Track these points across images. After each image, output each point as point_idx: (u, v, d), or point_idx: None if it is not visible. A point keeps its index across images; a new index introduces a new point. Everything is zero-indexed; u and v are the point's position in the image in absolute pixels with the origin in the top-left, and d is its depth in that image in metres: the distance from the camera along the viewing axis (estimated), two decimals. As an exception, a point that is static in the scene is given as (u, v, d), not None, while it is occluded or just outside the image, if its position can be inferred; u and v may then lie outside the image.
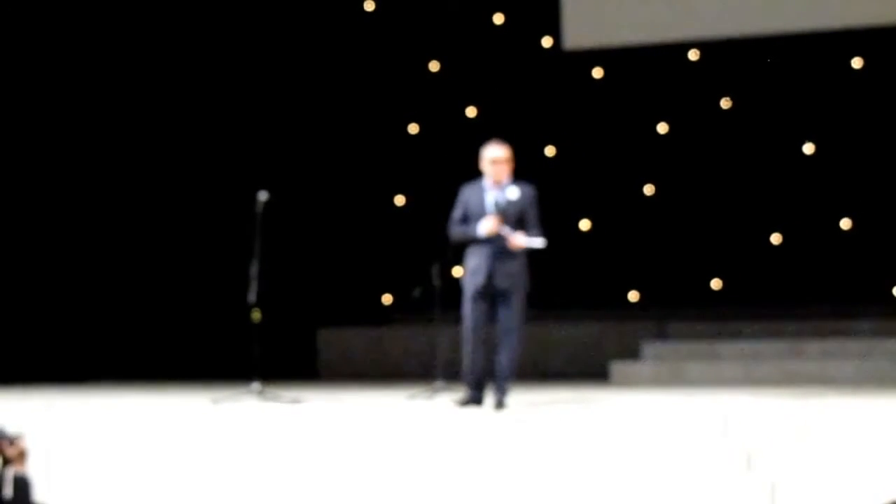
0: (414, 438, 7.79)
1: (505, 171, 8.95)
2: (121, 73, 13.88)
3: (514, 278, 8.84)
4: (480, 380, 8.94)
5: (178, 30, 13.98)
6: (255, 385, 9.89)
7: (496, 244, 8.82)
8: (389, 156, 14.17)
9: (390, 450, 7.66)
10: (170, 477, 7.83)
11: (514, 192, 8.93)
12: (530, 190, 8.98)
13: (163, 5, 13.96)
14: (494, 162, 8.93)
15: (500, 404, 8.79)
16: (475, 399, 8.92)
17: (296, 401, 9.68)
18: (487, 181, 8.97)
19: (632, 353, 12.17)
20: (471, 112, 14.07)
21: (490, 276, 8.82)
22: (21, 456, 5.78)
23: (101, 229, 13.86)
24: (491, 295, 8.85)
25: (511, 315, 8.82)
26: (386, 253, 13.93)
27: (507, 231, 8.79)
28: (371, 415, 8.70)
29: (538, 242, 8.85)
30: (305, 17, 14.16)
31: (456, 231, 9.02)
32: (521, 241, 8.80)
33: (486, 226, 8.80)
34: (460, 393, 9.20)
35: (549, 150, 13.87)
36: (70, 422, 8.64)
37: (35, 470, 5.95)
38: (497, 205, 8.87)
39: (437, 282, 10.25)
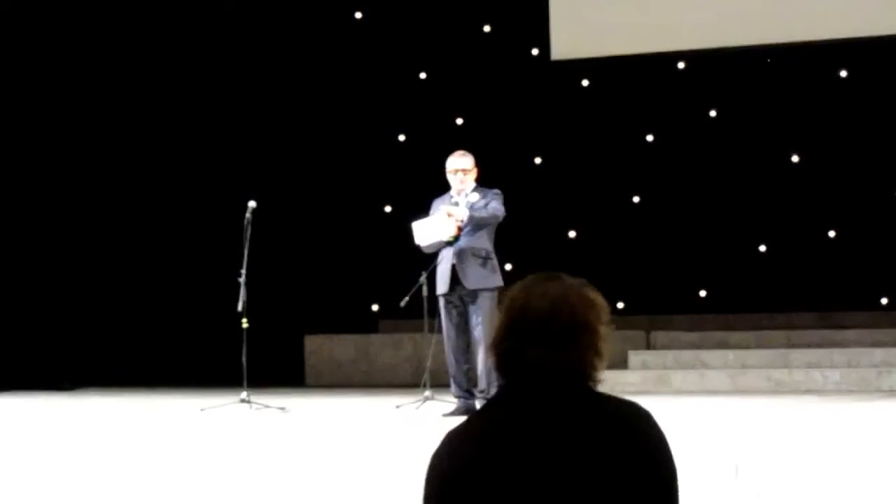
0: (400, 446, 7.78)
1: (465, 181, 8.99)
2: (108, 87, 13.87)
3: (479, 279, 8.84)
4: (466, 388, 8.93)
5: (169, 39, 13.99)
6: (242, 392, 9.87)
7: (457, 247, 8.87)
8: (378, 164, 14.17)
9: (377, 458, 7.66)
10: (155, 484, 7.82)
11: (474, 199, 8.98)
12: (491, 191, 9.04)
13: (153, 15, 13.96)
14: (453, 172, 9.01)
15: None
16: (464, 409, 8.90)
17: (283, 409, 9.67)
18: (453, 191, 9.06)
19: (619, 362, 12.18)
20: (459, 121, 14.08)
21: (453, 281, 8.86)
22: None
23: (92, 237, 13.85)
24: (460, 298, 8.87)
25: (478, 319, 8.82)
26: (374, 260, 13.93)
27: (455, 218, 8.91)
28: (358, 423, 8.69)
29: (461, 212, 8.92)
30: (294, 26, 14.17)
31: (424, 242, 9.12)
32: (453, 211, 8.88)
33: (448, 230, 8.87)
34: (449, 403, 9.20)
35: (537, 160, 13.89)
36: (60, 428, 8.62)
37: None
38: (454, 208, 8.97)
39: (425, 290, 10.24)
